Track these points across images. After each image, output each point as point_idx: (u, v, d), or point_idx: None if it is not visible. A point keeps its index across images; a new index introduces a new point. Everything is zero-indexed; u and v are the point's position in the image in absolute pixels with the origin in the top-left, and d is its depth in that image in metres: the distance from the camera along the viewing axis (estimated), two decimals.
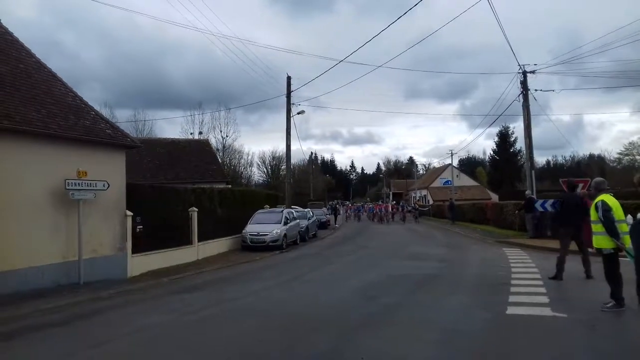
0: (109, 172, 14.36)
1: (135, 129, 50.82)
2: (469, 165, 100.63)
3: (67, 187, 12.87)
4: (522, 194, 28.66)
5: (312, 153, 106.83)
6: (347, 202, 78.14)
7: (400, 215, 48.81)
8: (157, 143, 34.51)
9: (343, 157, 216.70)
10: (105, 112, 43.26)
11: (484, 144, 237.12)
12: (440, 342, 6.69)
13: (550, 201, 21.53)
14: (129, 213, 15.08)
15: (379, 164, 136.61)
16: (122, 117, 65.19)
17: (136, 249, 15.31)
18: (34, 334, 8.12)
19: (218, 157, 43.94)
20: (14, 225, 11.74)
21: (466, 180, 73.95)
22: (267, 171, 73.80)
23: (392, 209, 51.15)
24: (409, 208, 53.16)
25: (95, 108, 15.86)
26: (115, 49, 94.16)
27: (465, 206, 43.66)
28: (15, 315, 9.41)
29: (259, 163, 73.86)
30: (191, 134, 55.38)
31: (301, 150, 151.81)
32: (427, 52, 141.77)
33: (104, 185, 13.90)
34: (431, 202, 66.52)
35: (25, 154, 12.15)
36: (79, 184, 13.16)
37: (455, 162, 72.91)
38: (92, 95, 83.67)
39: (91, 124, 14.43)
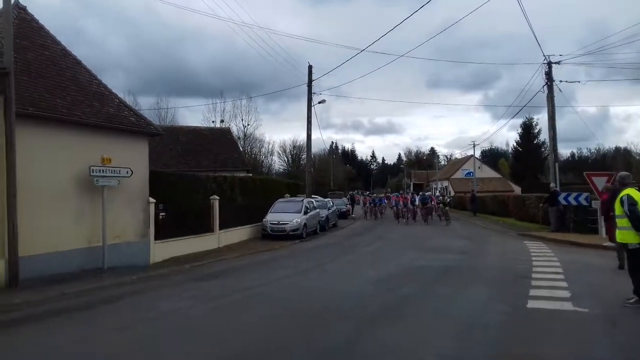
0: (133, 159, 14.55)
1: (158, 116, 51.30)
2: (491, 156, 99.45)
3: (92, 174, 13.08)
4: (545, 186, 28.29)
5: (332, 142, 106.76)
6: (367, 193, 68.10)
7: (425, 212, 33.13)
8: (180, 131, 34.83)
9: (364, 147, 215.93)
10: (128, 100, 43.64)
11: (507, 136, 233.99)
12: (458, 334, 6.67)
13: (574, 194, 21.24)
14: (152, 200, 15.28)
15: (400, 155, 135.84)
16: (145, 105, 65.93)
17: (158, 236, 15.52)
18: (58, 318, 8.32)
19: (239, 145, 44.15)
20: (40, 211, 11.98)
21: (488, 172, 73.19)
22: (288, 160, 74.09)
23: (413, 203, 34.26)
24: (437, 201, 35.02)
25: (119, 95, 16.04)
26: (137, 37, 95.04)
27: (486, 198, 43.26)
28: (41, 299, 9.65)
29: (280, 152, 74.10)
30: (213, 122, 55.74)
31: (322, 139, 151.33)
32: (450, 41, 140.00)
33: (127, 172, 14.09)
34: (452, 193, 66.03)
35: (50, 141, 12.37)
36: (103, 170, 13.35)
37: (478, 154, 72.28)
38: (116, 83, 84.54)
39: (115, 112, 14.62)
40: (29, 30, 14.23)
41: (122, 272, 12.84)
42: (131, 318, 8.07)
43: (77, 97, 13.71)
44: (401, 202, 35.18)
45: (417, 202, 34.12)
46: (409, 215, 33.79)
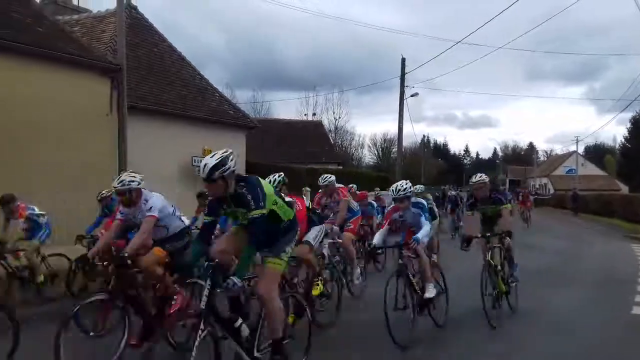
0: None
1: (253, 109, 52.91)
2: (596, 153, 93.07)
3: (194, 164, 13.90)
4: None
5: (424, 136, 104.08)
6: (458, 189, 44.70)
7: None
8: (274, 124, 35.93)
9: (457, 140, 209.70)
10: (226, 93, 45.13)
11: (614, 131, 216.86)
12: (550, 338, 6.46)
13: None
14: None
15: (495, 149, 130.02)
16: (242, 98, 68.28)
17: None
18: None
19: (330, 138, 44.72)
20: None
21: (592, 169, 68.74)
22: (378, 153, 73.83)
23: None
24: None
25: (218, 89, 16.87)
26: (233, 32, 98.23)
27: (589, 197, 40.77)
28: None
29: (370, 145, 73.92)
30: (305, 115, 56.64)
31: (413, 132, 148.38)
32: (552, 29, 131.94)
33: None
34: (552, 191, 62.85)
35: (158, 132, 13.30)
36: None
37: (581, 150, 68.12)
38: (214, 76, 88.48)
39: (216, 106, 15.43)
40: (139, 28, 15.33)
41: None
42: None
43: (182, 92, 14.61)
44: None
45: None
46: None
